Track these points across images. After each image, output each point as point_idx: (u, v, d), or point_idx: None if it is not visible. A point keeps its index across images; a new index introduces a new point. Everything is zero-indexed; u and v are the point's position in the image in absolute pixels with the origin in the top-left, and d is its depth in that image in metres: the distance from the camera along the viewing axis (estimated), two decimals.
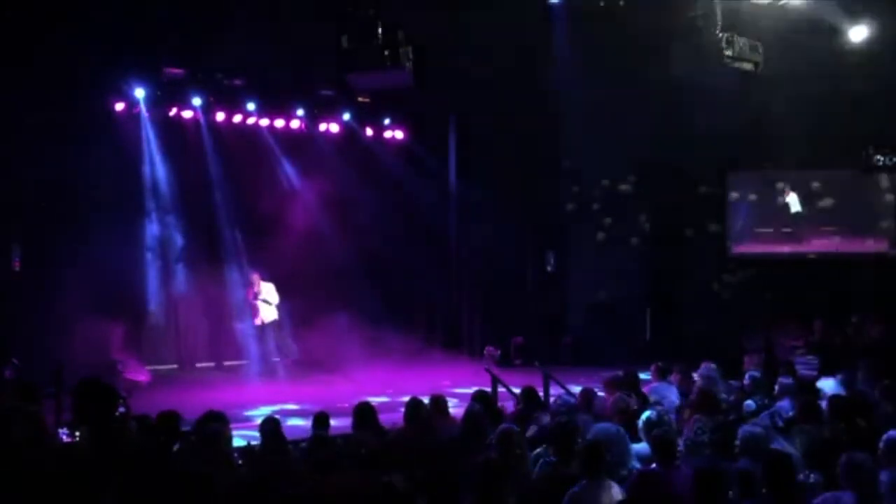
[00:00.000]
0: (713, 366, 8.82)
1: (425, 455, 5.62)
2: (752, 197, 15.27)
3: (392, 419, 7.62)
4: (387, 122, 15.28)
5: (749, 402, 8.00)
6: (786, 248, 15.04)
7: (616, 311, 15.16)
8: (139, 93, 12.63)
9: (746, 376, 9.03)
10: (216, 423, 5.60)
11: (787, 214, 14.99)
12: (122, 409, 6.05)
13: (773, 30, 10.03)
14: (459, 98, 14.50)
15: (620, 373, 8.49)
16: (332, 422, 7.12)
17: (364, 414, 6.86)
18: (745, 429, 5.87)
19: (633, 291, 15.42)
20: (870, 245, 14.65)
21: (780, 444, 5.91)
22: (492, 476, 4.99)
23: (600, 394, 7.90)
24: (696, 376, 8.80)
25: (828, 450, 5.74)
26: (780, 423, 6.80)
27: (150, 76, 12.50)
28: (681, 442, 6.15)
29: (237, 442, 6.51)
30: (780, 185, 14.82)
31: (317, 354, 14.01)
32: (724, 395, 8.16)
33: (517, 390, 9.57)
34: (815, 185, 14.73)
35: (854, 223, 14.71)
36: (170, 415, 5.64)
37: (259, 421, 7.00)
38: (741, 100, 13.25)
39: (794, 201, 14.82)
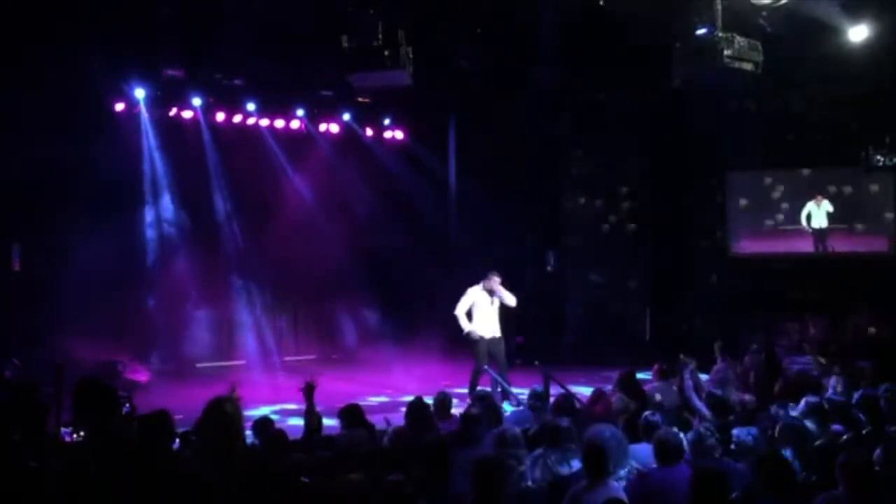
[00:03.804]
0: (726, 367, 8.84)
1: (424, 454, 5.62)
2: (753, 197, 15.26)
3: (392, 419, 7.62)
4: (387, 122, 15.29)
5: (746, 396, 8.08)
6: (785, 248, 15.03)
7: (616, 311, 15.18)
8: (139, 93, 12.64)
9: (751, 376, 9.10)
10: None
11: (787, 215, 15.00)
12: (126, 408, 6.04)
13: (774, 30, 10.02)
14: (459, 98, 14.50)
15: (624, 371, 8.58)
16: (332, 422, 7.12)
17: (351, 415, 6.87)
18: (737, 433, 5.90)
19: (633, 291, 15.44)
20: (870, 245, 14.64)
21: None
22: (489, 476, 5.00)
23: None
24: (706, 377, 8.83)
25: (827, 450, 5.75)
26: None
27: (150, 76, 12.50)
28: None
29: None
30: (817, 196, 14.73)
31: (316, 354, 14.05)
32: (735, 398, 8.19)
33: (517, 390, 9.59)
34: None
35: (854, 223, 14.70)
36: (161, 414, 5.58)
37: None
38: (741, 100, 13.25)
39: (817, 211, 14.69)
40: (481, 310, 10.74)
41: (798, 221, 14.81)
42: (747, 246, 15.23)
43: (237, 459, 4.48)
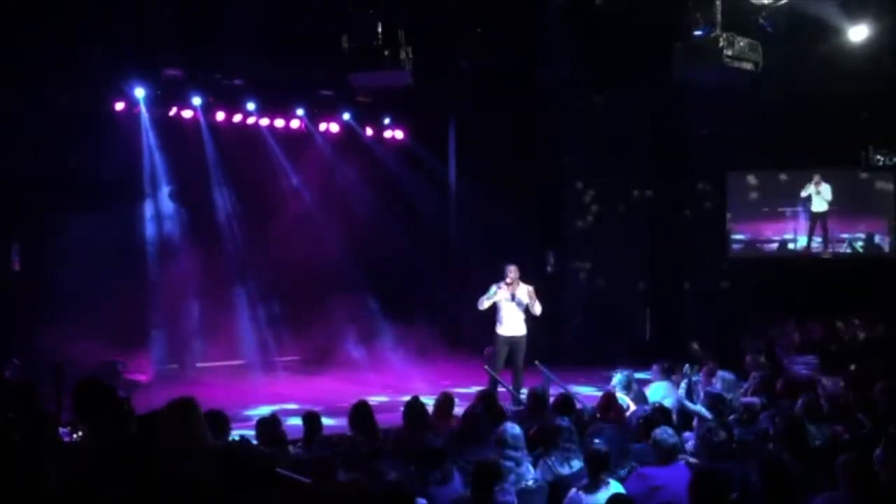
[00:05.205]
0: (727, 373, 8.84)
1: (422, 454, 5.63)
2: (753, 197, 15.28)
3: (392, 419, 7.63)
4: (387, 122, 15.28)
5: (754, 398, 8.10)
6: (786, 249, 15.05)
7: (616, 310, 15.17)
8: (139, 93, 12.62)
9: (752, 376, 9.12)
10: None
11: (787, 214, 15.01)
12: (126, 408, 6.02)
13: (774, 30, 10.03)
14: (459, 98, 14.50)
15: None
16: (332, 421, 7.13)
17: (360, 413, 6.87)
18: (736, 432, 5.92)
19: (633, 291, 15.44)
20: (868, 228, 14.69)
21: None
22: (488, 476, 5.01)
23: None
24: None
25: (827, 450, 5.76)
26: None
27: (150, 76, 12.50)
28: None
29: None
30: (815, 177, 14.76)
31: (316, 354, 14.03)
32: (740, 401, 8.22)
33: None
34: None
35: (854, 223, 14.73)
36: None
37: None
38: (741, 100, 13.24)
39: (816, 197, 14.72)
40: (502, 307, 10.56)
41: (799, 220, 14.87)
42: (747, 246, 15.24)
43: (206, 455, 4.50)
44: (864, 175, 14.32)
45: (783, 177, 15.06)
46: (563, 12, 11.64)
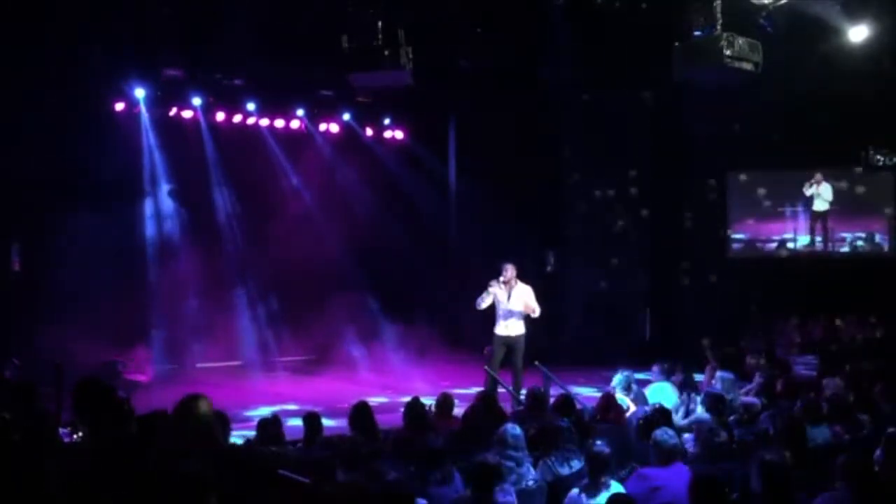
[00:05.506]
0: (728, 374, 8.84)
1: (423, 454, 5.63)
2: (752, 197, 15.28)
3: (392, 419, 7.64)
4: (387, 122, 15.28)
5: (754, 399, 8.12)
6: (786, 249, 15.05)
7: (616, 310, 15.18)
8: (139, 93, 12.62)
9: (756, 377, 9.14)
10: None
11: (787, 214, 15.02)
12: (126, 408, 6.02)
13: (774, 30, 10.03)
14: (459, 98, 14.50)
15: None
16: (332, 422, 7.12)
17: (360, 414, 6.87)
18: (737, 432, 5.92)
19: (633, 291, 15.44)
20: (869, 245, 14.68)
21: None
22: (488, 476, 5.01)
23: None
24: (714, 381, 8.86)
25: (827, 450, 5.76)
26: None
27: (150, 76, 12.50)
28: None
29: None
30: (816, 176, 14.75)
31: (316, 354, 14.04)
32: (742, 400, 8.23)
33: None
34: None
35: (854, 223, 14.73)
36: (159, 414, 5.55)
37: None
38: (741, 100, 13.25)
39: (817, 197, 14.73)
40: (499, 306, 10.42)
41: (799, 219, 14.88)
42: (747, 246, 15.25)
43: (215, 456, 4.49)
44: (864, 175, 14.32)
45: (783, 177, 15.05)
46: (563, 12, 11.63)
